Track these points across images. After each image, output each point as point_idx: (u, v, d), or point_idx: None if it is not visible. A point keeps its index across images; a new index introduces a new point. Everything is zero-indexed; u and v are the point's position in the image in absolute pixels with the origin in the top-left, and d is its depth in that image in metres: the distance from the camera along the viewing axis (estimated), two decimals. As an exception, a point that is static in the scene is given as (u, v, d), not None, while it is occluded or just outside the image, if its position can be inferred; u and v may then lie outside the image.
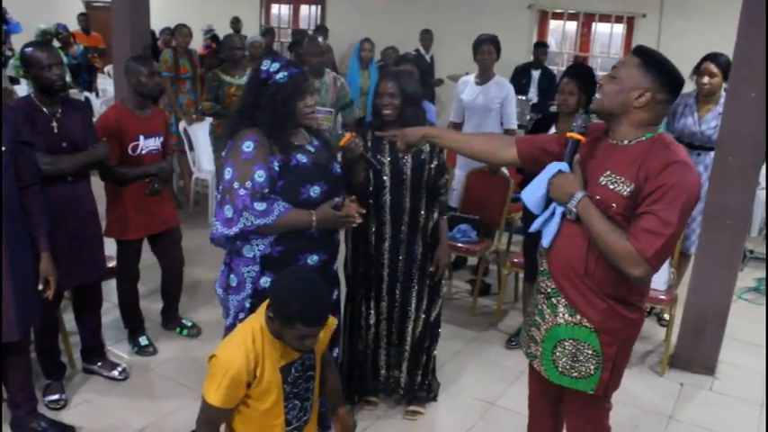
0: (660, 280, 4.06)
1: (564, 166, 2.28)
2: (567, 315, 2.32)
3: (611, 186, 2.19)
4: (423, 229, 3.30)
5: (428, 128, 2.84)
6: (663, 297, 4.07)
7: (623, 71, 2.21)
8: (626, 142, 2.23)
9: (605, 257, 2.18)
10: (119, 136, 3.67)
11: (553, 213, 2.32)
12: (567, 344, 2.33)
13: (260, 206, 2.57)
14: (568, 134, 2.34)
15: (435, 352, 3.56)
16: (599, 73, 8.84)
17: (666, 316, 4.43)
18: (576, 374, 2.34)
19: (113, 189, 3.78)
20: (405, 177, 3.21)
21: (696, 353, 4.13)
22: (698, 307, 4.09)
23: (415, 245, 3.29)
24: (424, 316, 3.39)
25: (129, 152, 3.72)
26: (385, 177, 3.20)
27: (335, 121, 4.93)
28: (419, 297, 3.36)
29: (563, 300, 2.33)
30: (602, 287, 2.25)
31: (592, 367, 2.31)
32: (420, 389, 3.52)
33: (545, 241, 2.36)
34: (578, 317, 2.30)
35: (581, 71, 4.02)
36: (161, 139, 3.87)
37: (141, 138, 3.75)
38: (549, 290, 2.38)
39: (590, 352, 2.30)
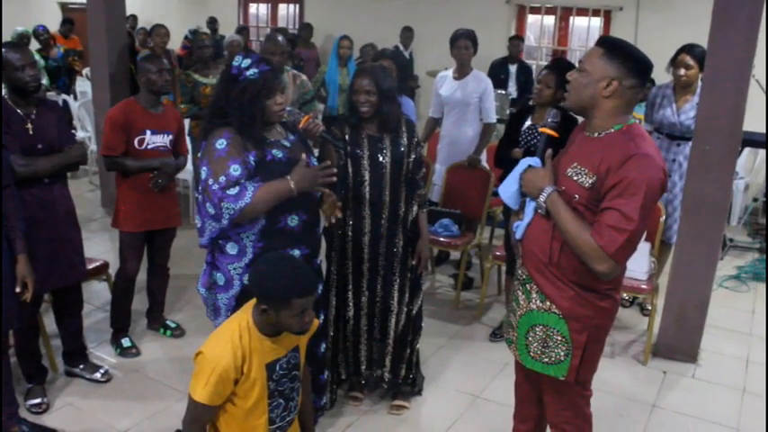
0: (641, 270, 4.10)
1: (535, 161, 2.33)
2: (538, 301, 2.37)
3: (575, 178, 2.23)
4: (403, 223, 3.30)
5: None
6: (644, 287, 4.10)
7: (588, 63, 2.23)
8: (596, 134, 2.26)
9: (573, 250, 2.22)
10: (125, 128, 3.74)
11: (527, 208, 2.38)
12: (538, 329, 2.38)
13: (233, 191, 2.55)
14: (540, 129, 2.39)
15: (418, 346, 3.56)
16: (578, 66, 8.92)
17: (649, 306, 4.47)
18: (546, 360, 2.38)
19: (122, 181, 3.85)
20: (384, 171, 3.21)
21: (678, 341, 4.17)
22: (679, 296, 4.12)
23: (395, 239, 3.29)
24: (406, 309, 3.39)
25: (136, 145, 3.77)
26: (364, 171, 3.20)
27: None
28: (401, 291, 3.36)
29: (535, 286, 2.37)
30: (569, 275, 2.29)
31: (562, 353, 2.35)
32: (404, 383, 3.52)
33: (518, 234, 2.41)
34: (548, 303, 2.34)
35: (562, 65, 4.03)
36: (170, 137, 3.89)
37: (148, 132, 3.79)
38: (523, 276, 2.43)
39: (559, 338, 2.34)
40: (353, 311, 3.37)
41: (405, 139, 3.27)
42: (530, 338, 2.41)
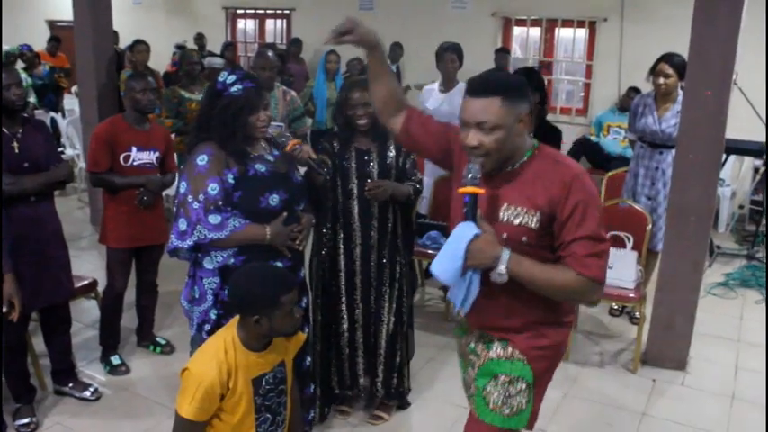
0: (629, 278, 4.12)
1: (473, 228, 2.06)
2: (499, 349, 2.23)
3: (516, 221, 2.08)
4: (392, 233, 3.33)
5: (372, 35, 2.41)
6: (632, 295, 4.12)
7: (494, 118, 2.01)
8: (509, 168, 2.12)
9: (555, 297, 2.13)
10: (111, 144, 3.75)
11: (470, 282, 2.12)
12: (500, 379, 2.21)
13: (214, 220, 2.61)
14: (461, 190, 2.09)
15: (409, 356, 3.58)
16: (563, 77, 8.98)
17: (637, 314, 4.49)
18: (508, 411, 2.20)
19: (109, 198, 3.86)
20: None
21: (667, 349, 4.18)
22: (667, 304, 4.14)
23: (384, 250, 3.31)
24: (394, 319, 3.41)
25: (121, 162, 3.77)
26: (352, 185, 3.24)
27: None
28: (390, 301, 3.39)
29: (496, 335, 2.25)
30: (529, 320, 2.19)
31: (524, 401, 2.21)
32: (395, 394, 3.54)
33: (465, 309, 2.16)
34: (510, 349, 2.21)
35: (524, 73, 4.16)
36: (157, 154, 3.90)
37: (134, 149, 3.79)
38: (479, 333, 2.32)
39: (523, 386, 2.20)
40: (348, 324, 3.38)
41: (392, 151, 3.31)
42: (489, 389, 2.22)
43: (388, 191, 3.22)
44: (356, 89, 3.23)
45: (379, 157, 3.27)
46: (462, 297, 2.13)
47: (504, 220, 2.09)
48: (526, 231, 2.06)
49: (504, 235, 2.07)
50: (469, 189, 2.05)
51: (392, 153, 3.30)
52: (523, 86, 2.08)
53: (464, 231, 2.05)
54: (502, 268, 2.01)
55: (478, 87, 2.05)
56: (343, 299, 3.36)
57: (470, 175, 2.05)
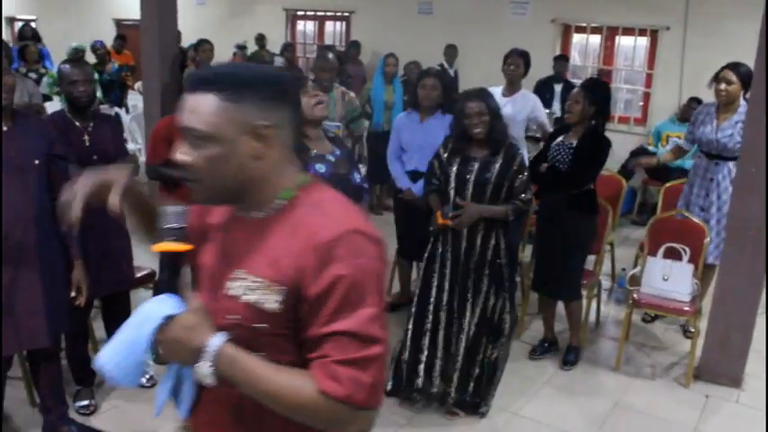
0: (684, 291, 4.06)
1: (167, 306, 1.38)
2: None
3: (253, 297, 1.33)
4: (482, 248, 3.41)
5: None
6: (687, 308, 4.06)
7: (203, 123, 1.32)
8: (256, 214, 1.40)
9: (295, 419, 1.32)
10: (168, 139, 3.85)
11: (181, 380, 1.49)
12: None
13: None
14: (153, 248, 1.46)
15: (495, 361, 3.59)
16: (623, 85, 8.85)
17: (692, 328, 4.41)
18: None
19: (164, 191, 4.02)
20: (466, 194, 3.37)
21: (722, 365, 4.10)
22: (723, 319, 4.06)
23: (471, 258, 3.40)
24: (475, 329, 3.46)
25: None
26: (450, 190, 3.36)
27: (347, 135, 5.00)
28: (472, 311, 3.46)
29: None
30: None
31: None
32: (471, 400, 3.57)
33: (183, 411, 1.54)
34: None
35: (591, 83, 4.18)
36: None
37: None
38: None
39: None
40: (431, 326, 3.47)
41: (497, 166, 3.36)
42: None
43: (474, 216, 3.32)
44: (470, 99, 3.33)
45: (481, 165, 3.34)
46: (162, 400, 1.50)
47: (235, 294, 1.36)
48: (265, 315, 1.32)
49: (237, 316, 1.34)
50: (165, 246, 1.39)
51: (497, 166, 3.36)
52: (268, 81, 1.36)
53: (149, 312, 1.39)
54: (205, 367, 1.31)
55: (194, 79, 1.37)
56: (432, 300, 3.46)
57: (166, 224, 1.40)
